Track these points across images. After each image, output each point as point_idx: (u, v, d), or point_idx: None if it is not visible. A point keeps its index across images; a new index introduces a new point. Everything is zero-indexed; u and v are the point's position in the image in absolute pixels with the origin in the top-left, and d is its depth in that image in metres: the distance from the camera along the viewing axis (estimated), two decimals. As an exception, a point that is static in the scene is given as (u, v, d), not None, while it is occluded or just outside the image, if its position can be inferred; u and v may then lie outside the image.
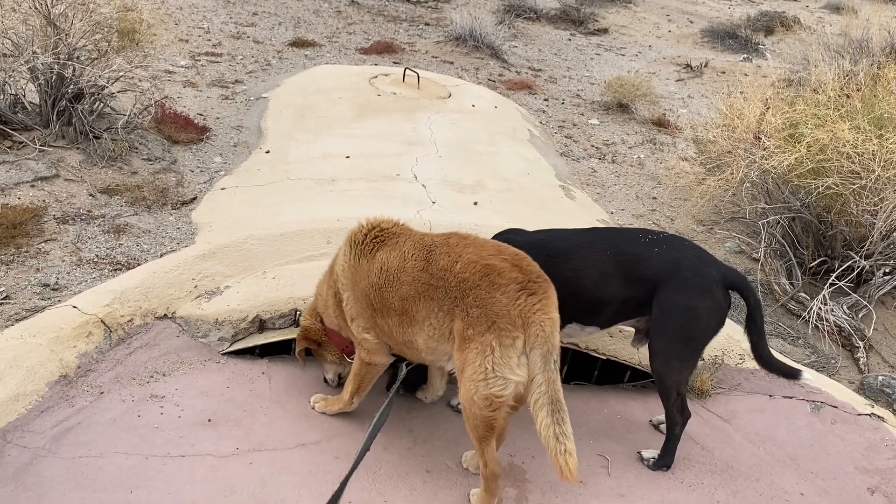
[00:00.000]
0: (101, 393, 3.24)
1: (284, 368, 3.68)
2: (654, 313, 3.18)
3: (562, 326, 3.33)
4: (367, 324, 3.08)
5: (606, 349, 3.95)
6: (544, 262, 3.24)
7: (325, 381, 3.55)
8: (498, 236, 3.46)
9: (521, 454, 3.35)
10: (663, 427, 3.64)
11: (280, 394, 3.47)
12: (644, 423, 3.74)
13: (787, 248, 4.91)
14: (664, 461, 3.38)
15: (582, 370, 4.07)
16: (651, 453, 3.42)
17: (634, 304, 3.23)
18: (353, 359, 3.36)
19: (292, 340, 3.73)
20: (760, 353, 3.25)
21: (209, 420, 3.21)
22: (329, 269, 3.28)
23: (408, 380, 3.57)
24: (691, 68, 11.29)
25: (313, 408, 3.38)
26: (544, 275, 2.83)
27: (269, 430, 3.22)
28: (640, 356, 3.96)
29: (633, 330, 3.86)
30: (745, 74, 10.05)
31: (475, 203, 4.94)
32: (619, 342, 3.95)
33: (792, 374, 3.23)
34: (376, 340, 3.11)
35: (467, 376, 2.72)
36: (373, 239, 3.07)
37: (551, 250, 3.29)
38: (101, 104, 5.46)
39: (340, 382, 3.54)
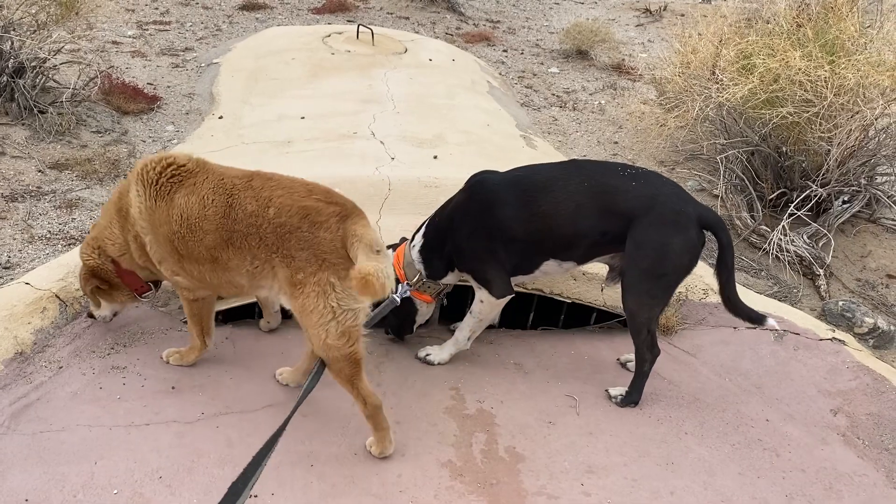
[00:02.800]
0: (61, 367, 3.19)
1: (248, 332, 3.64)
2: (628, 248, 3.17)
3: (539, 264, 3.35)
4: (176, 267, 2.95)
5: (571, 292, 3.96)
6: (521, 198, 3.23)
7: (92, 316, 3.37)
8: (472, 178, 3.42)
9: (489, 400, 3.36)
10: (631, 365, 3.67)
11: (245, 357, 3.44)
12: (611, 362, 3.77)
13: (747, 182, 4.93)
14: (632, 398, 3.41)
15: (548, 315, 4.09)
16: (618, 391, 3.45)
17: (610, 238, 3.21)
18: (146, 297, 3.28)
19: (255, 304, 3.70)
20: (728, 294, 3.24)
21: (173, 388, 3.18)
22: (117, 208, 3.03)
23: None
24: (650, 13, 11.21)
25: (167, 362, 3.29)
26: (355, 204, 2.83)
27: (235, 393, 3.19)
28: (604, 297, 3.98)
29: (603, 270, 3.88)
30: (704, 16, 9.99)
31: (435, 157, 4.88)
32: (584, 285, 3.96)
33: (756, 320, 3.24)
34: (188, 281, 3.00)
35: (314, 323, 2.68)
36: (168, 179, 2.85)
37: (528, 185, 3.26)
38: (44, 78, 5.29)
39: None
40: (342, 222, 2.68)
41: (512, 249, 3.30)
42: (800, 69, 3.98)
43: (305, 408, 3.12)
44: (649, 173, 3.29)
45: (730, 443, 3.26)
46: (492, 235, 3.27)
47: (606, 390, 3.48)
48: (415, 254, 3.43)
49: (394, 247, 3.57)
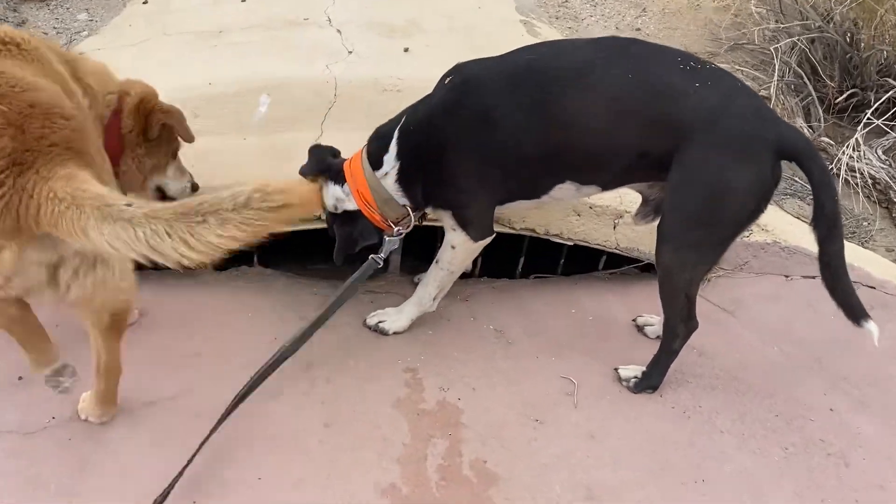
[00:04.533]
0: None
1: (145, 292, 2.75)
2: (673, 180, 2.20)
3: (549, 187, 2.37)
4: None
5: (573, 232, 3.02)
6: (534, 96, 2.23)
7: None
8: (458, 70, 2.40)
9: (456, 387, 2.50)
10: (650, 330, 2.81)
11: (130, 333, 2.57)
12: (625, 324, 2.88)
13: (806, 79, 3.86)
14: (650, 381, 2.54)
15: (543, 259, 3.17)
16: (632, 371, 2.57)
17: (652, 161, 2.23)
18: None
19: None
20: (829, 260, 2.21)
21: (20, 378, 2.33)
22: None
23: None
24: None
25: None
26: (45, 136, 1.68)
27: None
28: (617, 237, 3.04)
29: (615, 202, 2.96)
30: None
31: (406, 50, 3.86)
32: (590, 221, 3.01)
33: (855, 314, 2.26)
34: None
35: None
36: None
37: (544, 76, 2.24)
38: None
39: None
40: (17, 175, 1.60)
41: (514, 169, 2.34)
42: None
43: (200, 405, 2.29)
44: (721, 73, 2.25)
45: (781, 445, 2.41)
46: (487, 157, 2.32)
47: (616, 370, 2.60)
48: (391, 183, 2.45)
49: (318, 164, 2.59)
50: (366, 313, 2.75)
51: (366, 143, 2.53)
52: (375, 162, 2.45)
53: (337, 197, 2.50)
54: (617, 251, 3.06)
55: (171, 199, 2.70)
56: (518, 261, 3.15)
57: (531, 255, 3.14)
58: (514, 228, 2.98)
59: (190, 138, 2.52)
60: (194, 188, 2.69)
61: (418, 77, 3.31)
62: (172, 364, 2.45)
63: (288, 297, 2.84)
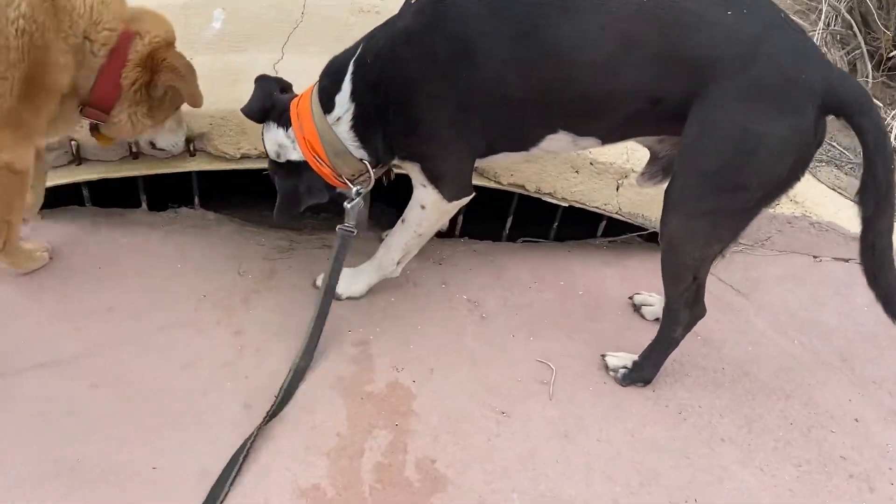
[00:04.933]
0: None
1: (64, 230, 2.39)
2: (690, 132, 1.76)
3: (539, 138, 1.96)
4: None
5: (570, 191, 2.59)
6: (523, 21, 1.78)
7: None
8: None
9: (412, 367, 2.12)
10: (648, 311, 2.43)
11: (39, 278, 2.21)
12: (621, 302, 2.49)
13: (856, 30, 3.37)
14: (642, 373, 2.15)
15: (534, 221, 2.76)
16: (621, 360, 2.18)
17: (665, 109, 1.79)
18: None
19: (77, 185, 2.45)
20: (874, 241, 1.77)
21: None
22: None
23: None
24: None
25: None
26: None
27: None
28: (619, 200, 2.61)
29: (621, 158, 2.53)
30: None
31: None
32: (590, 180, 2.59)
33: (895, 311, 1.82)
34: None
35: None
36: None
37: (531, 3, 1.79)
38: None
39: None
40: None
41: (496, 114, 1.91)
42: None
43: (99, 372, 1.94)
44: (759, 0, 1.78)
45: (794, 461, 2.02)
46: (462, 98, 1.89)
47: (603, 357, 2.21)
48: (344, 131, 2.00)
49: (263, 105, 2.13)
50: (318, 272, 2.36)
51: (319, 77, 2.08)
52: (327, 103, 2.00)
53: (279, 143, 2.06)
54: (619, 216, 2.65)
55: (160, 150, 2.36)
56: (505, 221, 2.74)
57: (520, 215, 2.73)
58: (499, 183, 2.56)
59: (198, 104, 2.11)
60: (188, 140, 2.34)
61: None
62: (77, 319, 2.09)
63: (229, 246, 2.46)
